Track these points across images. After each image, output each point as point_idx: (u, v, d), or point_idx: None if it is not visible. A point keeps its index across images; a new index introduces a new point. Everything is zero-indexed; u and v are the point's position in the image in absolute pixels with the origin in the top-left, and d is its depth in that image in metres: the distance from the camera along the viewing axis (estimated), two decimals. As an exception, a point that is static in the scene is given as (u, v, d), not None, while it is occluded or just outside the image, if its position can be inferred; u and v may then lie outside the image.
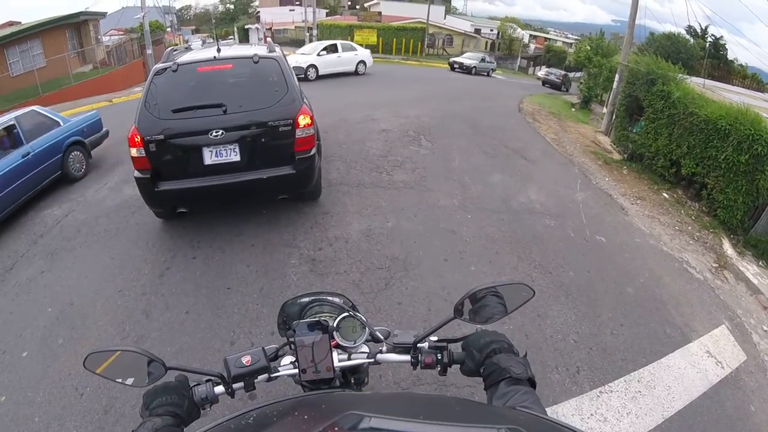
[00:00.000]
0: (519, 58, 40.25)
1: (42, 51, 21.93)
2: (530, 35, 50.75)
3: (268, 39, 5.15)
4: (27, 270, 4.78)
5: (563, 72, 27.59)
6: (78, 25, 24.83)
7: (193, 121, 4.12)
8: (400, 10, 41.50)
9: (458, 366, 1.15)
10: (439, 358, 1.14)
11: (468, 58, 26.31)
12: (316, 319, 1.19)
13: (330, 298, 1.36)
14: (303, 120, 4.27)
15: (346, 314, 1.18)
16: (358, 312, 1.22)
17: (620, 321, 3.63)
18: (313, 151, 4.45)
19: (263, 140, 4.23)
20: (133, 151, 4.13)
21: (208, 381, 1.12)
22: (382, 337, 1.20)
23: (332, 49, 17.72)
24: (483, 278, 3.98)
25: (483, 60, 26.76)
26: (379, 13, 41.09)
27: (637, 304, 3.88)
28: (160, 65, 4.33)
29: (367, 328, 1.17)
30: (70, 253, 4.92)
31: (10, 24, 26.45)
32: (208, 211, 5.19)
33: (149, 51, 19.57)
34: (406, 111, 9.62)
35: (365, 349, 1.19)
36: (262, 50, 4.65)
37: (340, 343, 1.15)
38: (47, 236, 5.38)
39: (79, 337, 3.74)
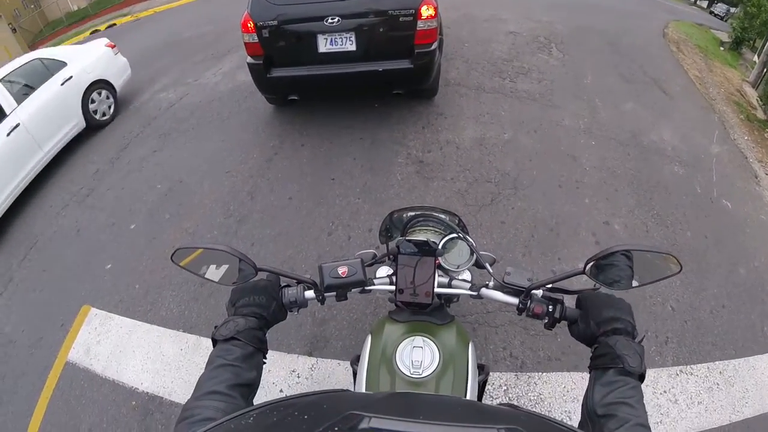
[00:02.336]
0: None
1: None
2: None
3: None
4: (140, 149, 5.06)
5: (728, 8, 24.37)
6: None
7: (309, 6, 3.90)
8: None
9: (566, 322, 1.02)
10: (551, 310, 1.02)
11: None
12: (425, 239, 1.10)
13: (439, 215, 1.28)
14: (426, 11, 3.86)
15: (454, 235, 1.12)
16: (468, 234, 1.13)
17: (723, 301, 3.06)
18: (434, 45, 4.07)
19: (381, 30, 3.93)
20: (246, 37, 4.04)
21: (299, 284, 1.10)
22: (490, 269, 1.11)
23: None
24: (596, 215, 3.53)
25: None
26: None
27: (744, 289, 3.21)
28: None
29: (474, 255, 1.10)
30: (182, 135, 5.12)
31: None
32: (319, 101, 5.10)
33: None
34: (539, 15, 8.57)
35: (467, 276, 1.14)
36: None
37: (443, 265, 1.10)
38: (161, 118, 5.64)
39: (186, 214, 3.94)
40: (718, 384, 2.59)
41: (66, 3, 23.72)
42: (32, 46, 21.57)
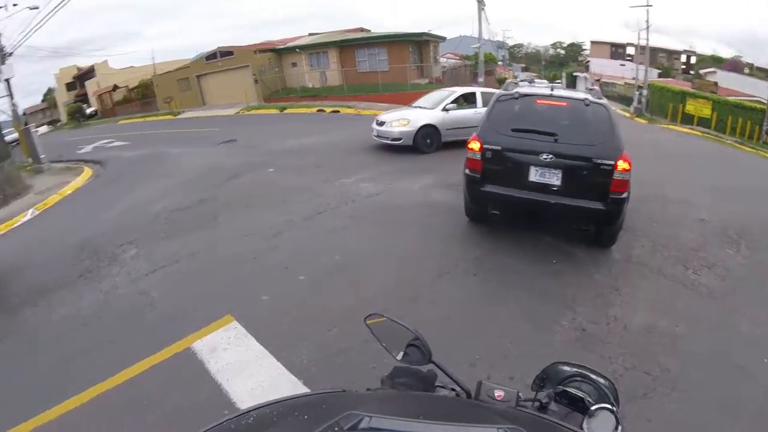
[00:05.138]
0: None
1: (387, 58, 27.06)
2: None
3: (595, 87, 5.52)
4: (332, 221, 5.97)
5: None
6: (420, 43, 29.47)
7: (528, 142, 4.81)
8: (738, 84, 35.33)
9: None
10: None
11: None
12: (581, 396, 1.13)
13: (597, 378, 1.24)
14: (622, 165, 4.61)
15: (608, 406, 1.07)
16: (618, 407, 1.11)
17: None
18: (626, 194, 4.74)
19: (584, 173, 4.71)
20: (470, 154, 5.03)
21: (452, 389, 1.16)
22: None
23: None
24: None
25: None
26: (715, 84, 35.87)
27: None
28: (502, 92, 5.27)
29: (619, 430, 1.05)
30: (372, 225, 5.91)
31: (361, 30, 32.86)
32: (510, 229, 5.63)
33: (480, 79, 21.73)
34: (734, 206, 8.18)
35: None
36: (590, 96, 5.05)
37: (585, 430, 1.05)
38: (358, 203, 6.57)
39: (351, 288, 4.46)
40: None
41: (303, 79, 28.52)
42: (266, 99, 26.34)
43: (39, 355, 3.92)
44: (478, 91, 11.27)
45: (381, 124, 10.59)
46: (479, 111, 9.81)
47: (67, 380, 3.46)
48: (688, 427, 3.26)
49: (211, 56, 30.63)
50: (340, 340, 3.69)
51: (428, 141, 10.40)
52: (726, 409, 3.48)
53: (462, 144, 6.48)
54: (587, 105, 4.89)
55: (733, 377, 3.82)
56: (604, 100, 5.13)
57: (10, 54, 14.18)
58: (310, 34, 33.65)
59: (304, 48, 29.34)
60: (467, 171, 5.12)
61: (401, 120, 10.41)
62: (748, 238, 6.72)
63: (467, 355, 3.56)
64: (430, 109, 10.75)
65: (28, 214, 8.53)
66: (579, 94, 5.27)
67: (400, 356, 1.19)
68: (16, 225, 8.12)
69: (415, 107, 11.35)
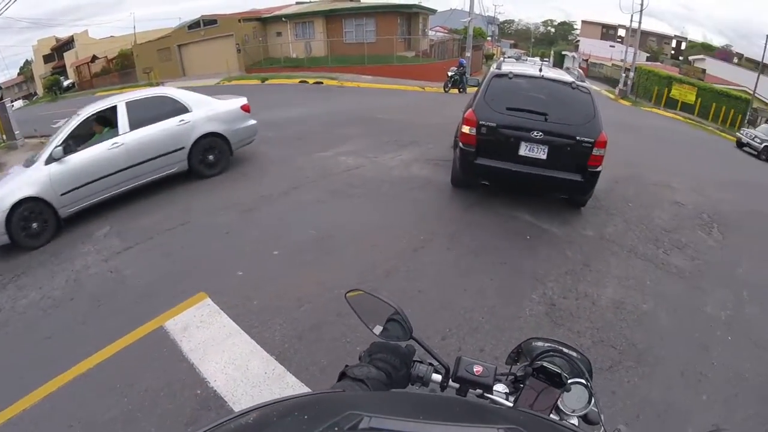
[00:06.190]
0: None
1: (374, 29, 26.53)
2: None
3: (579, 70, 6.07)
4: (309, 194, 5.91)
5: None
6: (409, 15, 28.90)
7: (521, 119, 5.25)
8: (726, 73, 35.87)
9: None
10: None
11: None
12: (558, 371, 1.13)
13: (571, 353, 1.28)
14: (601, 143, 5.20)
15: (583, 381, 1.12)
16: (591, 381, 1.14)
17: None
18: (600, 168, 5.33)
19: (567, 149, 5.23)
20: (466, 129, 5.38)
21: (431, 365, 1.17)
22: (600, 421, 1.12)
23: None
24: (706, 415, 3.33)
25: None
26: (703, 71, 36.24)
27: None
28: (497, 71, 5.61)
29: (591, 404, 1.10)
30: (349, 199, 5.85)
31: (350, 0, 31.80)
32: (488, 206, 5.75)
33: (468, 54, 21.26)
34: (710, 191, 8.34)
35: (575, 422, 1.13)
36: (573, 77, 5.57)
37: (559, 404, 1.10)
38: (336, 176, 6.49)
39: (324, 264, 4.40)
40: None
41: (288, 49, 27.93)
42: (248, 70, 25.77)
43: (8, 342, 3.83)
44: (121, 104, 6.21)
45: None
46: (125, 141, 6.02)
47: (36, 367, 3.38)
48: (650, 400, 3.37)
49: (194, 25, 29.58)
50: (313, 315, 3.67)
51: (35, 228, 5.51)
52: (688, 385, 3.61)
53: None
54: (573, 88, 5.33)
55: (696, 355, 3.96)
56: (587, 83, 5.57)
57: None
58: (298, 3, 32.76)
59: (290, 17, 28.54)
60: (461, 145, 5.45)
61: None
62: (720, 222, 6.89)
63: (439, 328, 3.60)
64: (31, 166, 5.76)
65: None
66: (566, 76, 5.64)
67: (378, 331, 1.18)
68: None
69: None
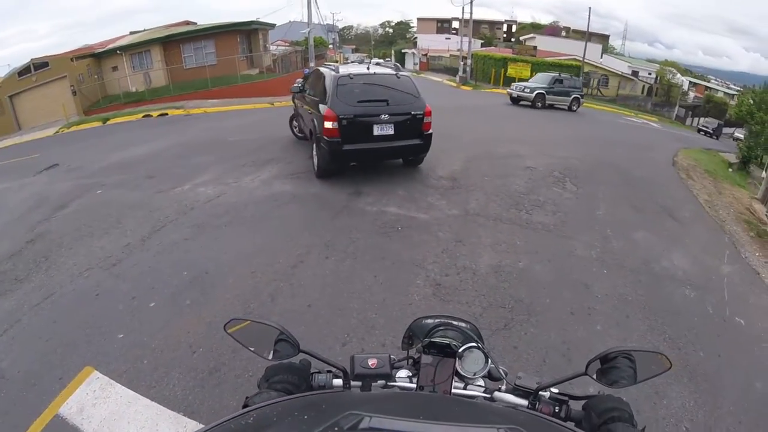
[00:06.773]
0: (677, 107, 36.22)
1: (214, 51, 25.43)
2: (690, 82, 46.54)
3: (394, 63, 8.03)
4: (173, 234, 5.41)
5: (718, 122, 28.10)
6: (249, 32, 28.17)
7: (370, 108, 6.48)
8: (556, 46, 40.56)
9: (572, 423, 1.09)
10: (557, 410, 1.10)
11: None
12: (447, 342, 1.17)
13: (458, 324, 1.31)
14: (427, 112, 6.73)
15: (473, 344, 1.16)
16: (483, 344, 1.19)
17: (739, 418, 3.08)
18: (431, 131, 6.86)
19: (407, 122, 6.61)
20: (328, 124, 6.28)
21: (329, 371, 1.18)
22: (502, 375, 1.18)
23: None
24: (608, 341, 3.66)
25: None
26: (535, 48, 40.40)
27: (762, 404, 3.25)
28: (338, 75, 6.65)
29: (489, 363, 1.15)
30: (216, 230, 5.47)
31: (186, 23, 30.53)
32: (354, 206, 5.81)
33: (312, 64, 21.28)
34: (554, 151, 9.32)
35: (481, 382, 1.19)
36: (393, 69, 7.16)
37: (460, 371, 1.14)
38: (198, 210, 6.08)
39: (206, 303, 4.07)
40: None
41: (126, 83, 25.72)
42: (87, 112, 23.25)
43: None
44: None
45: None
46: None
47: None
48: (551, 344, 3.59)
49: (25, 71, 25.42)
50: (209, 358, 3.37)
51: None
52: (580, 321, 3.92)
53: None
54: (398, 77, 6.82)
55: (580, 294, 4.33)
56: (405, 71, 7.26)
57: None
58: (132, 33, 30.19)
59: (125, 48, 26.11)
60: (326, 138, 6.35)
61: None
62: (571, 176, 7.74)
63: (338, 336, 3.56)
64: None
65: None
66: (388, 69, 7.11)
67: (270, 356, 1.16)
68: None
69: None
